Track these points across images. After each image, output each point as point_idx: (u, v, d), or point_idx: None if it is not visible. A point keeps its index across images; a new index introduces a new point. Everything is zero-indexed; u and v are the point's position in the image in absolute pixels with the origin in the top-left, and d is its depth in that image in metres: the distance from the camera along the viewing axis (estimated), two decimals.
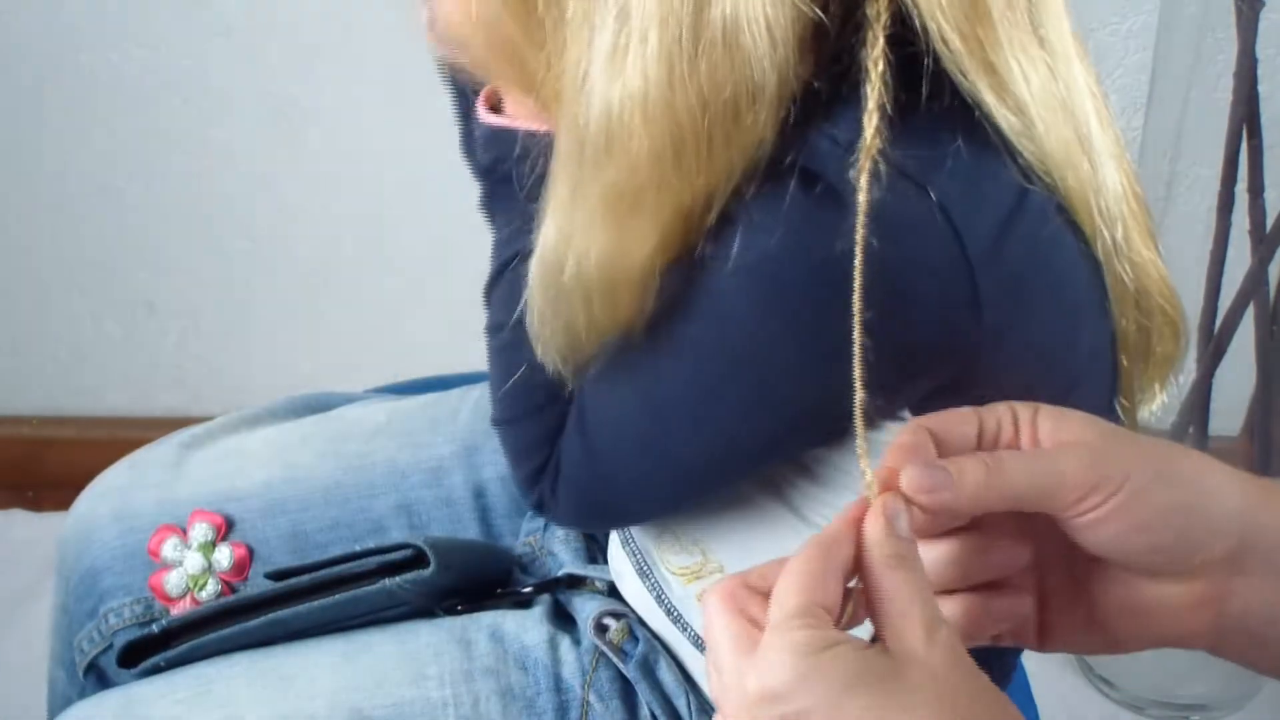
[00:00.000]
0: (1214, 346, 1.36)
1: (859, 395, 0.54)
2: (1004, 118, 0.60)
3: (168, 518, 0.95)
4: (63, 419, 1.79)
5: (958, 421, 0.55)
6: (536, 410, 0.76)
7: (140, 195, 1.64)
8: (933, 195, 0.58)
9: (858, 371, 0.54)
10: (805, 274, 0.60)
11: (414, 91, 1.52)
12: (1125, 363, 0.69)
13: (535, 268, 0.65)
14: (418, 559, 0.87)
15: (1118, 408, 0.70)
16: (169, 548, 0.93)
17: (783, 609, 0.48)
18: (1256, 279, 1.33)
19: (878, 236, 0.55)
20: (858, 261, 0.54)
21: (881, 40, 0.55)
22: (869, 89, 0.55)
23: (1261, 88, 1.26)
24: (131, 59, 1.55)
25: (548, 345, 0.67)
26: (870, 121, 0.55)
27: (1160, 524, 0.52)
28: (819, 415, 0.65)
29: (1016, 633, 0.58)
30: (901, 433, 0.54)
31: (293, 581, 0.88)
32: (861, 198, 0.55)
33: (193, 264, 1.69)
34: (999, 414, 0.55)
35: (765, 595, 0.50)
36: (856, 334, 0.54)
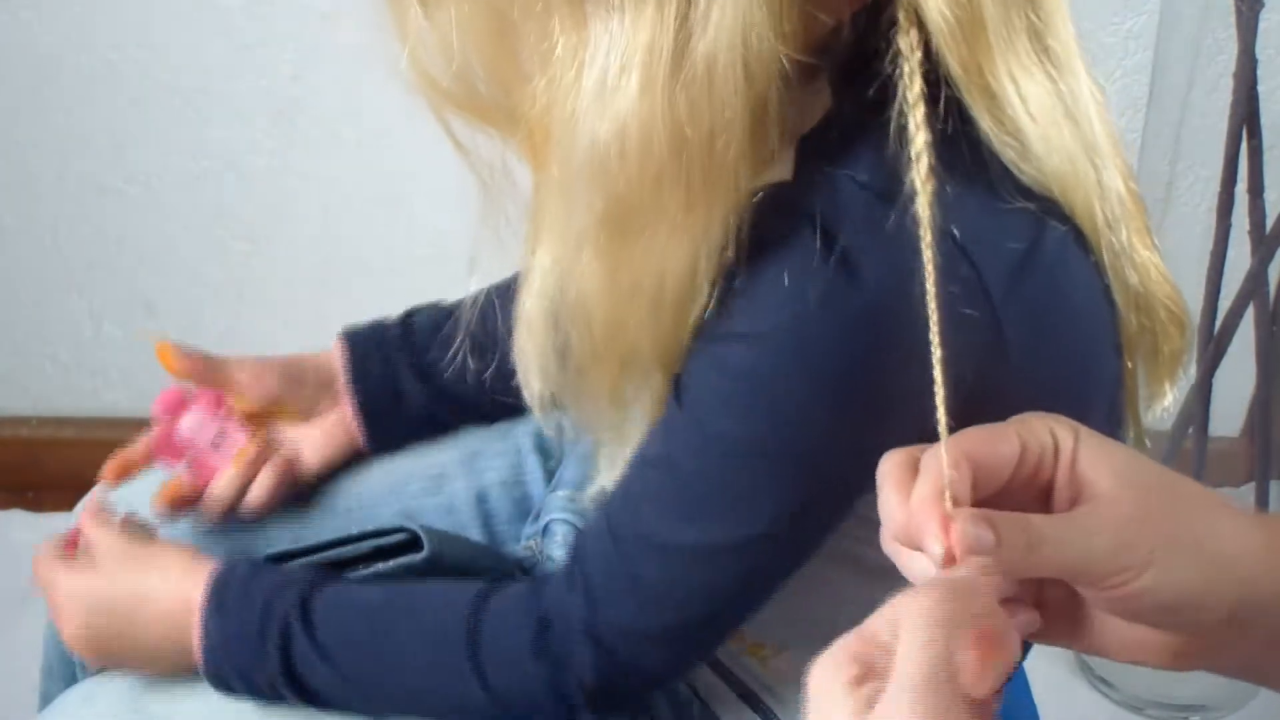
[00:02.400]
0: (1214, 347, 1.36)
1: (943, 430, 0.54)
2: (1002, 143, 0.60)
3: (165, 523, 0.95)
4: (63, 419, 1.79)
5: (999, 441, 0.53)
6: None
7: (140, 195, 1.64)
8: (956, 236, 0.59)
9: (941, 413, 0.54)
10: (832, 347, 0.60)
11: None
12: (1131, 365, 0.69)
13: (536, 292, 0.65)
14: (413, 546, 0.87)
15: (1127, 416, 0.71)
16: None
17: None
18: (1256, 279, 1.33)
19: (909, 282, 0.56)
20: (930, 292, 0.54)
21: (919, 76, 0.56)
22: (911, 124, 0.55)
23: (1261, 88, 1.26)
24: (131, 59, 1.55)
25: (533, 368, 0.68)
26: (920, 165, 0.55)
27: (1172, 599, 0.52)
28: (862, 478, 0.66)
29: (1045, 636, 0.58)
30: (935, 469, 0.53)
31: (289, 565, 0.88)
32: (926, 237, 0.55)
33: (193, 264, 1.69)
34: (1041, 439, 0.54)
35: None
36: (938, 373, 0.54)
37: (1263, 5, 1.22)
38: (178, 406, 0.93)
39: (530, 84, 0.61)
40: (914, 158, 0.55)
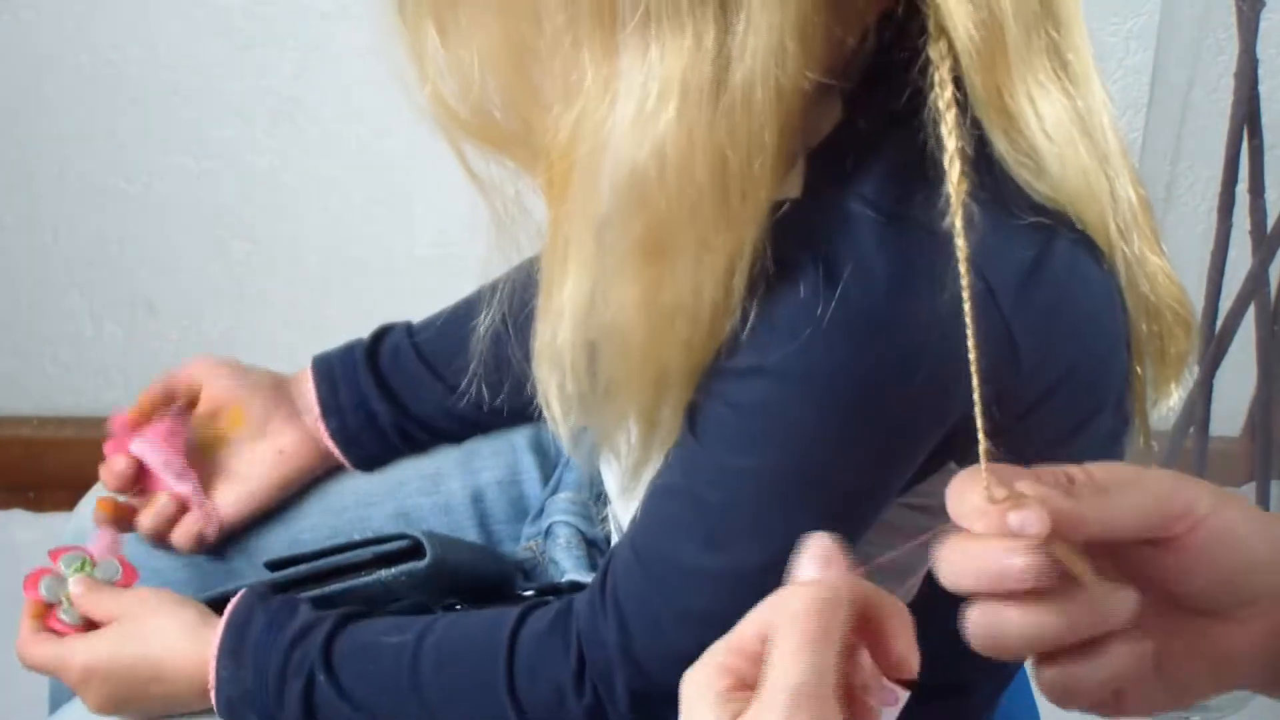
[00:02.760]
0: (1214, 347, 1.36)
1: (982, 446, 0.53)
2: (1018, 163, 0.61)
3: None
4: (63, 419, 1.79)
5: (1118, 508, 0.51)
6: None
7: (140, 195, 1.64)
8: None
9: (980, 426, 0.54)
10: (841, 372, 0.61)
11: (414, 91, 1.52)
12: (1140, 371, 0.70)
13: (569, 325, 0.65)
14: (414, 552, 0.87)
15: (1127, 426, 0.71)
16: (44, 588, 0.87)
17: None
18: (1257, 279, 1.33)
19: (914, 298, 0.56)
20: (966, 304, 0.54)
21: (950, 85, 0.56)
22: (944, 128, 0.55)
23: (1262, 88, 1.26)
24: (132, 58, 1.55)
25: (556, 396, 0.68)
26: (952, 170, 0.55)
27: (1243, 532, 0.51)
28: (888, 489, 0.66)
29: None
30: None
31: (289, 571, 0.88)
32: (960, 242, 0.55)
33: (193, 264, 1.69)
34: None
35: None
36: (975, 386, 0.54)
37: (1263, 5, 1.22)
38: (133, 427, 0.92)
39: (550, 115, 0.61)
40: (947, 163, 0.55)
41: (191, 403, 0.95)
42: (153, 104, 1.58)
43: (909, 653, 0.47)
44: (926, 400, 0.61)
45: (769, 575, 0.67)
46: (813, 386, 0.62)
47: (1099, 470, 0.50)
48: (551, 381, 0.68)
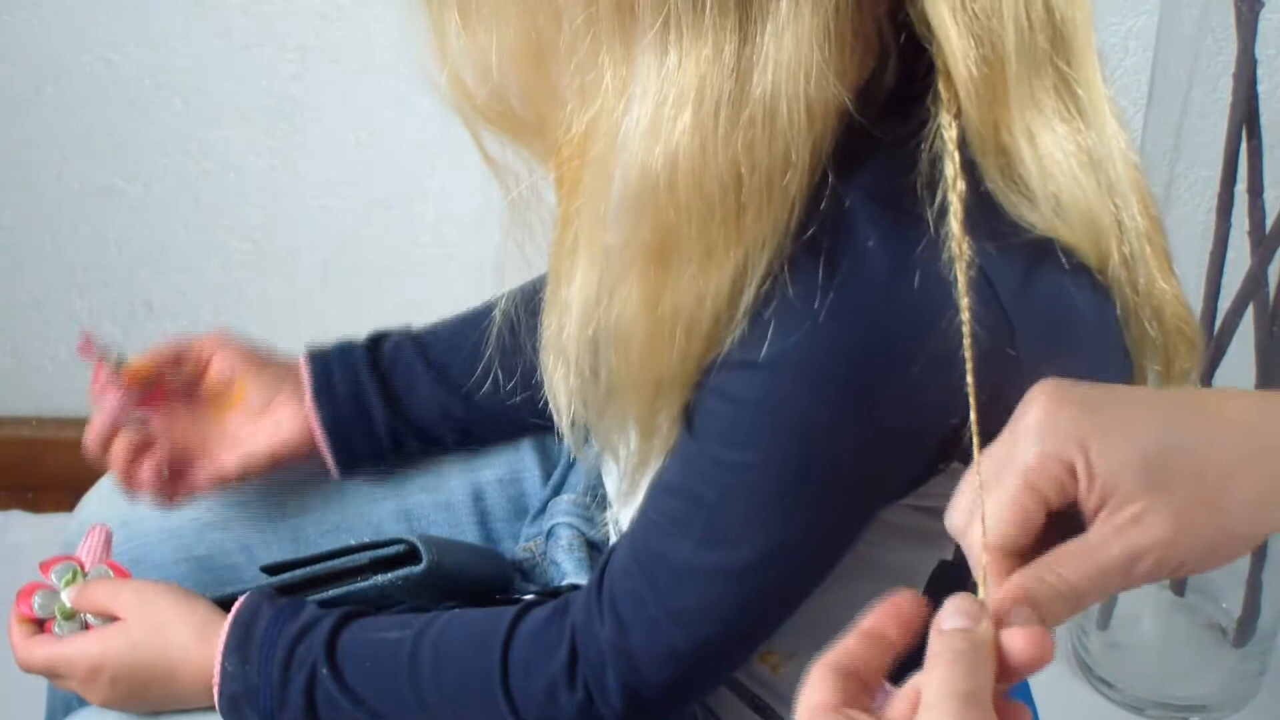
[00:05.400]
0: (1214, 347, 1.36)
1: (977, 456, 0.54)
2: (1009, 201, 0.61)
3: (169, 521, 0.95)
4: (62, 419, 1.79)
5: (1023, 507, 0.54)
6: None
7: (140, 195, 1.64)
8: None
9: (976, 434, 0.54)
10: (838, 364, 0.61)
11: (414, 92, 1.52)
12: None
13: (575, 320, 0.65)
14: (411, 556, 0.87)
15: None
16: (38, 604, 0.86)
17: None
18: (1256, 280, 1.33)
19: (913, 289, 0.56)
20: (964, 314, 0.54)
21: (955, 128, 0.56)
22: (950, 172, 0.56)
23: (1261, 88, 1.26)
24: (132, 59, 1.55)
25: (563, 392, 0.68)
26: (955, 187, 0.56)
27: (1198, 557, 0.53)
28: (884, 487, 0.66)
29: None
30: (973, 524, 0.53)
31: (286, 576, 0.88)
32: (960, 271, 0.55)
33: (192, 264, 1.69)
34: (1054, 475, 0.53)
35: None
36: (971, 398, 0.54)
37: (1262, 5, 1.22)
38: (132, 381, 0.92)
39: (565, 111, 0.61)
40: (950, 184, 0.55)
41: (199, 372, 0.95)
42: (152, 104, 1.58)
43: None
44: (924, 394, 0.61)
45: (764, 572, 0.68)
46: (808, 376, 0.62)
47: (1074, 569, 0.51)
48: (557, 372, 0.68)
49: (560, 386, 0.68)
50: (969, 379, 0.54)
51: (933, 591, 0.51)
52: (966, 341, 0.54)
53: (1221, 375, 1.39)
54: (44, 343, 1.75)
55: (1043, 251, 0.62)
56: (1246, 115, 1.26)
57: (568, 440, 0.72)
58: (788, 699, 0.81)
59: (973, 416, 0.54)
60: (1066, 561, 0.51)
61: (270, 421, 0.94)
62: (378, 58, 1.52)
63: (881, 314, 0.60)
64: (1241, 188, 1.31)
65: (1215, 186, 1.33)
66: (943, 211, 0.58)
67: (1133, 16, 1.49)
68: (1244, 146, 1.28)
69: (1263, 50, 1.25)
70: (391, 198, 1.64)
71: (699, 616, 0.70)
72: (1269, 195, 1.31)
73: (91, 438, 0.91)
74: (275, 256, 1.68)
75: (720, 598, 0.69)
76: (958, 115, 0.58)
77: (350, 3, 1.51)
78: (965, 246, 0.56)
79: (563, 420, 0.70)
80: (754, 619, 0.71)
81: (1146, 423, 0.54)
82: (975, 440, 0.54)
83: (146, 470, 0.91)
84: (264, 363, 0.95)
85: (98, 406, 0.92)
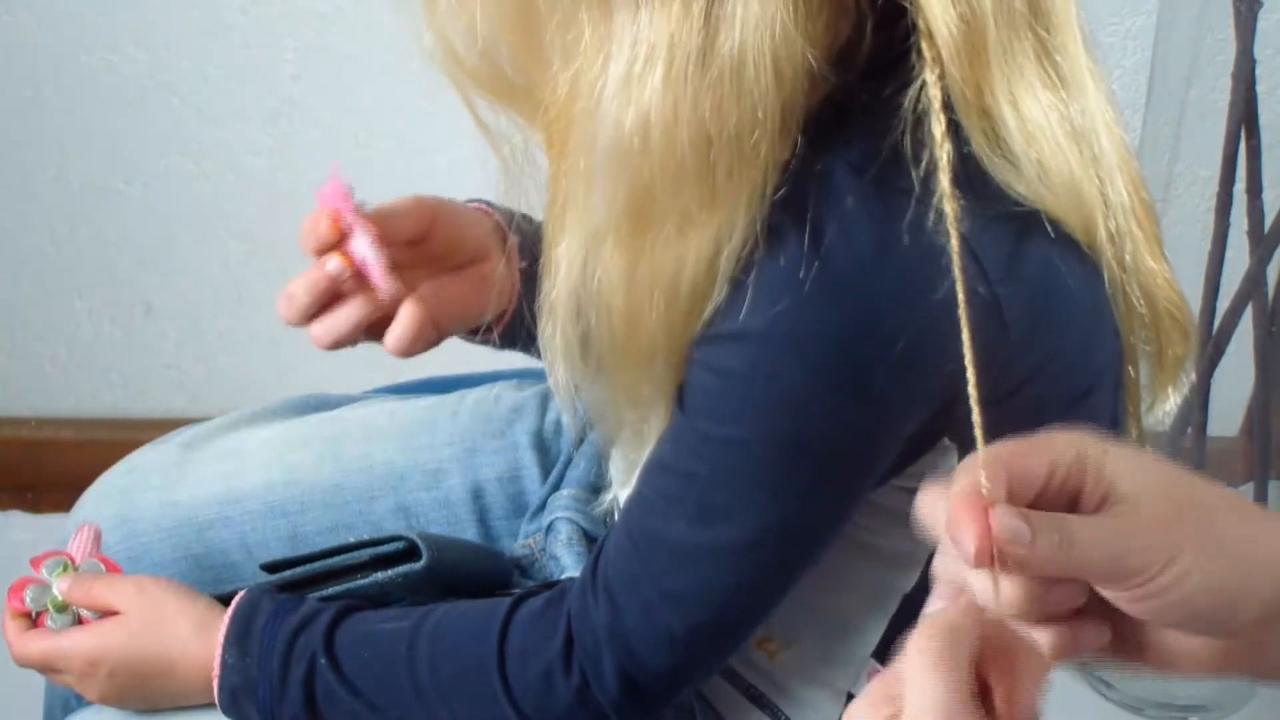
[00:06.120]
0: (1213, 347, 1.36)
1: (979, 427, 0.53)
2: (994, 164, 0.61)
3: (167, 519, 0.95)
4: (62, 419, 1.79)
5: (1030, 454, 0.53)
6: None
7: (140, 195, 1.64)
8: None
9: (976, 412, 0.54)
10: (824, 336, 0.61)
11: (414, 92, 1.52)
12: (1133, 373, 0.70)
13: (562, 281, 0.65)
14: (411, 553, 0.87)
15: (1126, 416, 0.71)
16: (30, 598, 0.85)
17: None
18: (1255, 279, 1.33)
19: (897, 261, 0.56)
20: (960, 294, 0.54)
21: (940, 87, 0.56)
22: (937, 131, 0.55)
23: (1260, 88, 1.26)
24: (131, 59, 1.55)
25: (560, 357, 0.68)
26: (944, 174, 0.55)
27: (1201, 596, 0.52)
28: (873, 462, 0.66)
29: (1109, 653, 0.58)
30: (972, 469, 0.53)
31: (286, 574, 0.88)
32: (954, 237, 0.55)
33: (193, 264, 1.69)
34: (1069, 452, 0.53)
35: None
36: (970, 373, 0.54)
37: (1261, 5, 1.22)
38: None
39: (551, 71, 0.61)
40: (937, 142, 0.55)
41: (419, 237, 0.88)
42: (151, 104, 1.58)
43: (1031, 699, 0.48)
44: (914, 369, 0.61)
45: (757, 551, 0.67)
46: (796, 348, 0.62)
47: (1079, 524, 0.51)
48: (546, 332, 0.68)
49: (550, 347, 0.68)
50: (964, 338, 0.53)
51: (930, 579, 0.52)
52: (962, 307, 0.54)
53: (1220, 375, 1.39)
54: (44, 343, 1.75)
55: (1029, 225, 0.62)
56: (1245, 115, 1.26)
57: (559, 399, 0.71)
58: (784, 687, 0.81)
59: (971, 387, 0.54)
60: (1088, 524, 0.51)
61: (477, 275, 0.86)
62: (377, 58, 1.52)
63: (867, 289, 0.60)
64: (1240, 188, 1.31)
65: (1214, 186, 1.33)
66: (929, 172, 0.58)
67: (1131, 17, 1.49)
68: (1243, 146, 1.28)
69: (1261, 50, 1.25)
70: (390, 198, 1.63)
71: (693, 598, 0.70)
72: (1268, 195, 1.32)
73: (329, 273, 0.86)
74: (274, 256, 1.68)
75: (714, 578, 0.69)
76: (941, 76, 0.57)
77: (350, 3, 1.51)
78: (954, 205, 0.56)
79: (557, 389, 0.69)
80: (747, 601, 0.71)
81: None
82: (977, 423, 0.54)
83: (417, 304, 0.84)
84: (478, 223, 0.87)
85: (350, 248, 0.86)
